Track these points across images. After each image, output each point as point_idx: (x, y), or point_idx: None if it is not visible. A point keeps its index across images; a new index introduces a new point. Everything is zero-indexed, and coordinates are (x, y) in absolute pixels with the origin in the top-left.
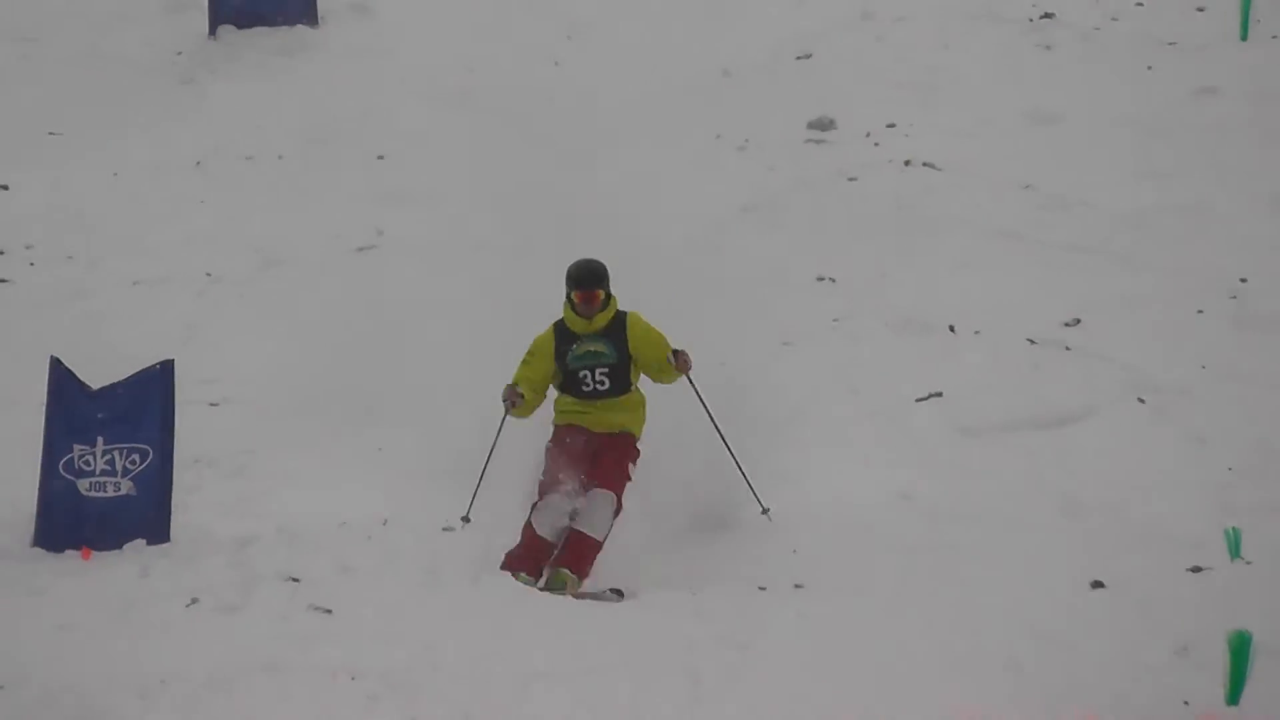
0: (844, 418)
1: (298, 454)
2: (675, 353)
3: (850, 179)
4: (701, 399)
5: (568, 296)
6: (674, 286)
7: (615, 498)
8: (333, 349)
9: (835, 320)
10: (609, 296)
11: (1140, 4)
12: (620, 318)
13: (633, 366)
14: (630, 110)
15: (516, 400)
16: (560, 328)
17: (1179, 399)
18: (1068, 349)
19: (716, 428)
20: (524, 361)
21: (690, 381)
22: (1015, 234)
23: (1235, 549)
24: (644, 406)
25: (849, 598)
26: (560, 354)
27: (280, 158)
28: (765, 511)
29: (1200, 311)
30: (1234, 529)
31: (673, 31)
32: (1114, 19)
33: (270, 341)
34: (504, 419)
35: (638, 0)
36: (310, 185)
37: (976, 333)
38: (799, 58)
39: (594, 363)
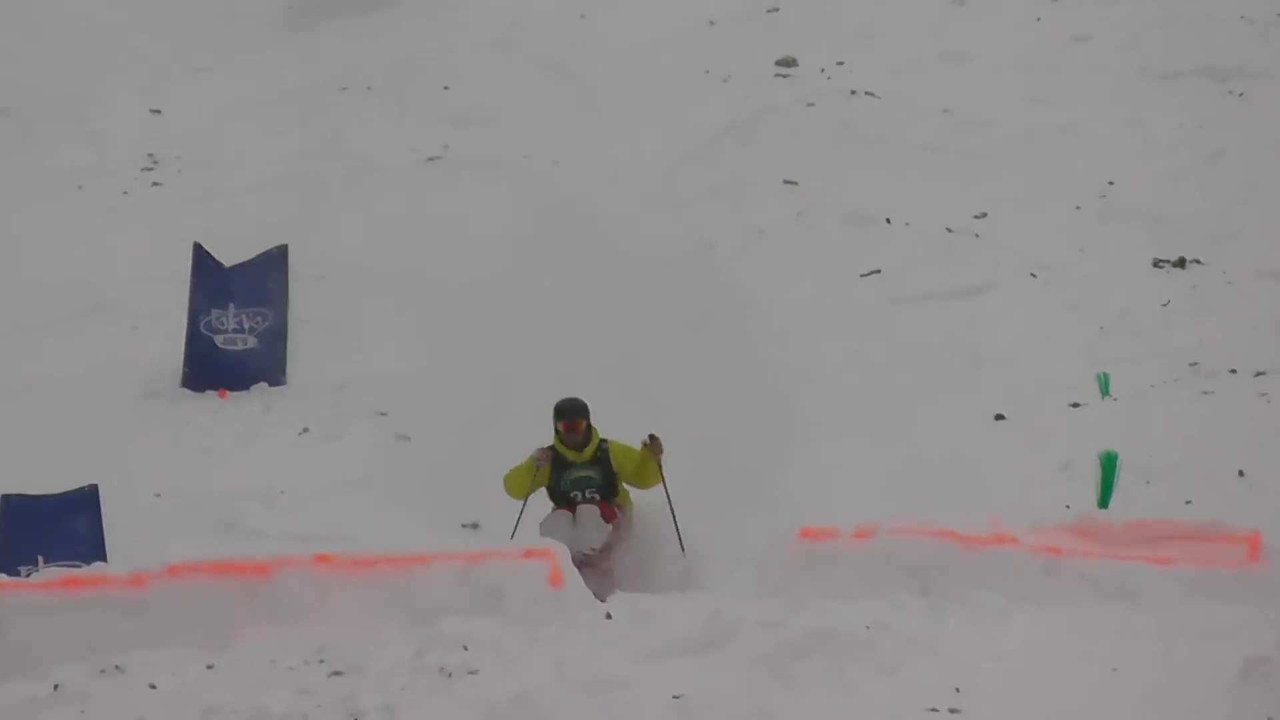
0: (802, 292)
1: (388, 317)
2: (649, 438)
3: (809, 104)
4: (666, 488)
5: (555, 428)
6: (671, 188)
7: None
8: (412, 236)
9: (798, 214)
10: (589, 426)
11: None
12: (603, 445)
13: (618, 482)
14: (638, 52)
15: (543, 462)
16: (555, 456)
17: (1060, 274)
18: (976, 236)
19: (670, 505)
20: (527, 469)
21: (661, 473)
22: (937, 147)
23: (1105, 389)
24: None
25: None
26: (555, 478)
27: (369, 88)
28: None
29: (1078, 207)
30: (1104, 374)
31: None
32: None
33: (364, 231)
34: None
35: None
36: (390, 110)
37: (906, 224)
38: (769, 10)
39: (584, 485)
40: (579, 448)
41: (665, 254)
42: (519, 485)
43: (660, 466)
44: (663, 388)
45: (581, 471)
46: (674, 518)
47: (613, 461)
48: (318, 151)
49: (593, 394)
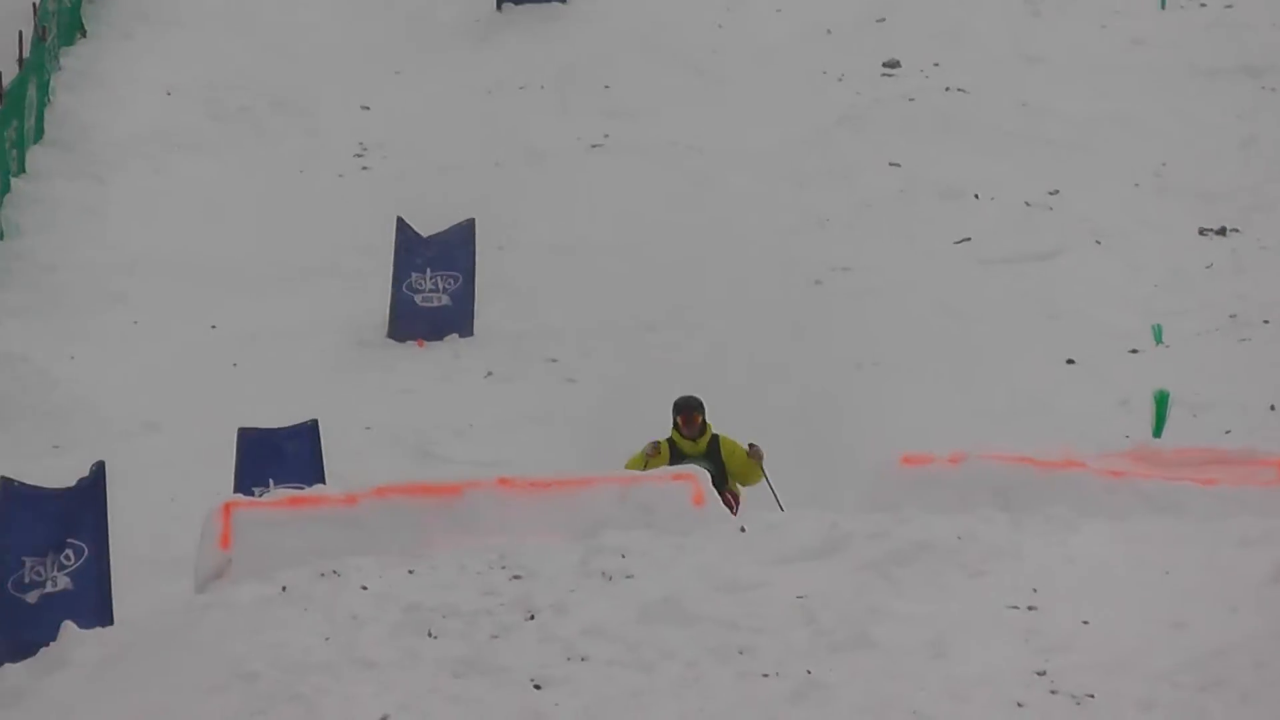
0: (903, 257)
1: (557, 279)
2: (750, 445)
3: (910, 99)
4: (769, 481)
5: (674, 422)
6: (793, 170)
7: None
8: (578, 211)
9: (900, 191)
10: (705, 421)
11: None
12: (715, 439)
13: (727, 474)
14: (766, 54)
15: (653, 454)
16: (672, 446)
17: (1120, 241)
18: (1050, 209)
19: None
20: (646, 456)
21: (763, 471)
22: (1016, 134)
23: (1158, 337)
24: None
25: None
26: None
27: (541, 87)
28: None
29: (1135, 184)
30: (1157, 325)
31: (791, 6)
32: None
33: (538, 207)
34: None
35: None
36: (559, 105)
37: (991, 199)
38: (877, 21)
39: None
40: (694, 439)
41: (789, 224)
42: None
43: (762, 468)
44: (783, 337)
45: (696, 462)
46: (773, 491)
47: (723, 455)
48: (499, 140)
49: (726, 342)
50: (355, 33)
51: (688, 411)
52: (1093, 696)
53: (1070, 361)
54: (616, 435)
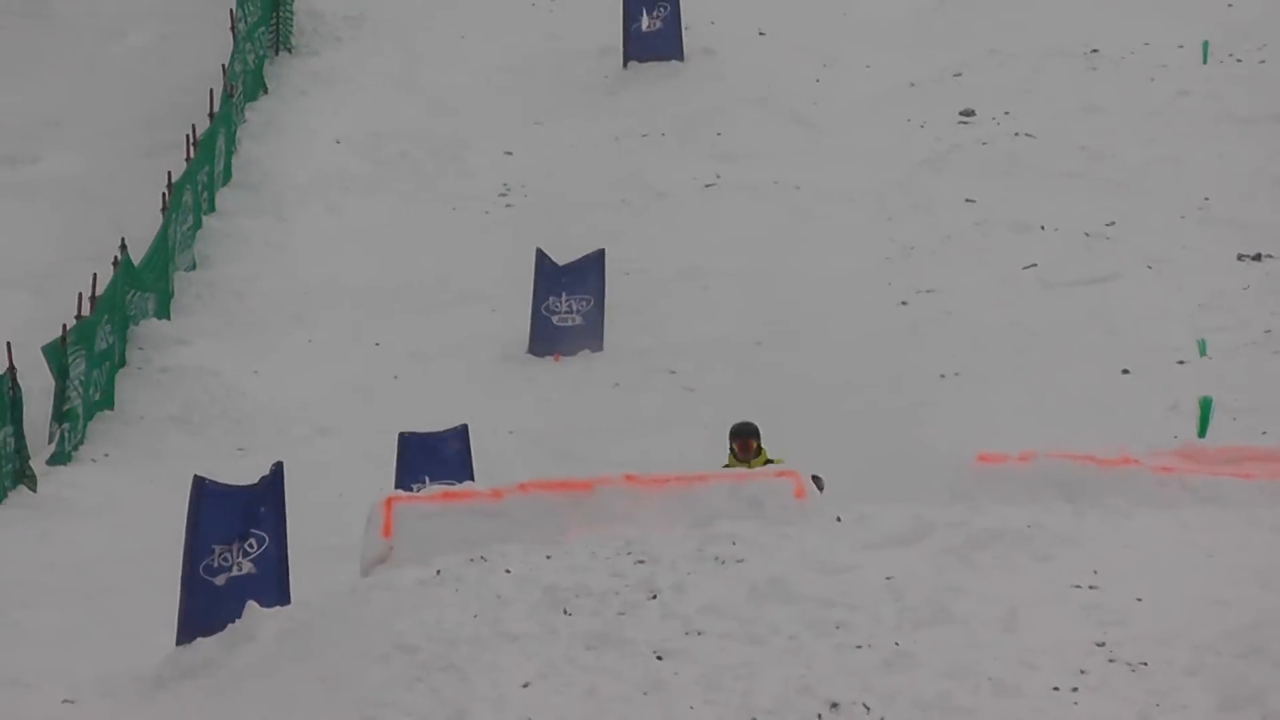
0: (979, 281)
1: (677, 301)
2: (815, 477)
3: (984, 143)
4: None
5: (730, 448)
6: (882, 206)
7: None
8: (694, 241)
9: (976, 223)
10: (760, 446)
11: (1145, 44)
12: (768, 463)
13: None
14: (857, 105)
15: None
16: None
17: (1169, 266)
18: (1107, 238)
19: None
20: None
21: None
22: (1078, 173)
23: (1203, 350)
24: None
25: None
26: None
27: (662, 134)
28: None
29: (1182, 217)
30: (1202, 340)
31: (879, 63)
32: (1131, 53)
33: (659, 238)
34: None
35: (864, 47)
36: (677, 150)
37: (1056, 229)
38: (954, 75)
39: None
40: (748, 462)
41: (879, 253)
42: None
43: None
44: (875, 351)
45: None
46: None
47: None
48: (625, 181)
49: (825, 355)
50: (501, 88)
51: (744, 438)
52: (1146, 664)
53: (1125, 372)
54: (723, 429)
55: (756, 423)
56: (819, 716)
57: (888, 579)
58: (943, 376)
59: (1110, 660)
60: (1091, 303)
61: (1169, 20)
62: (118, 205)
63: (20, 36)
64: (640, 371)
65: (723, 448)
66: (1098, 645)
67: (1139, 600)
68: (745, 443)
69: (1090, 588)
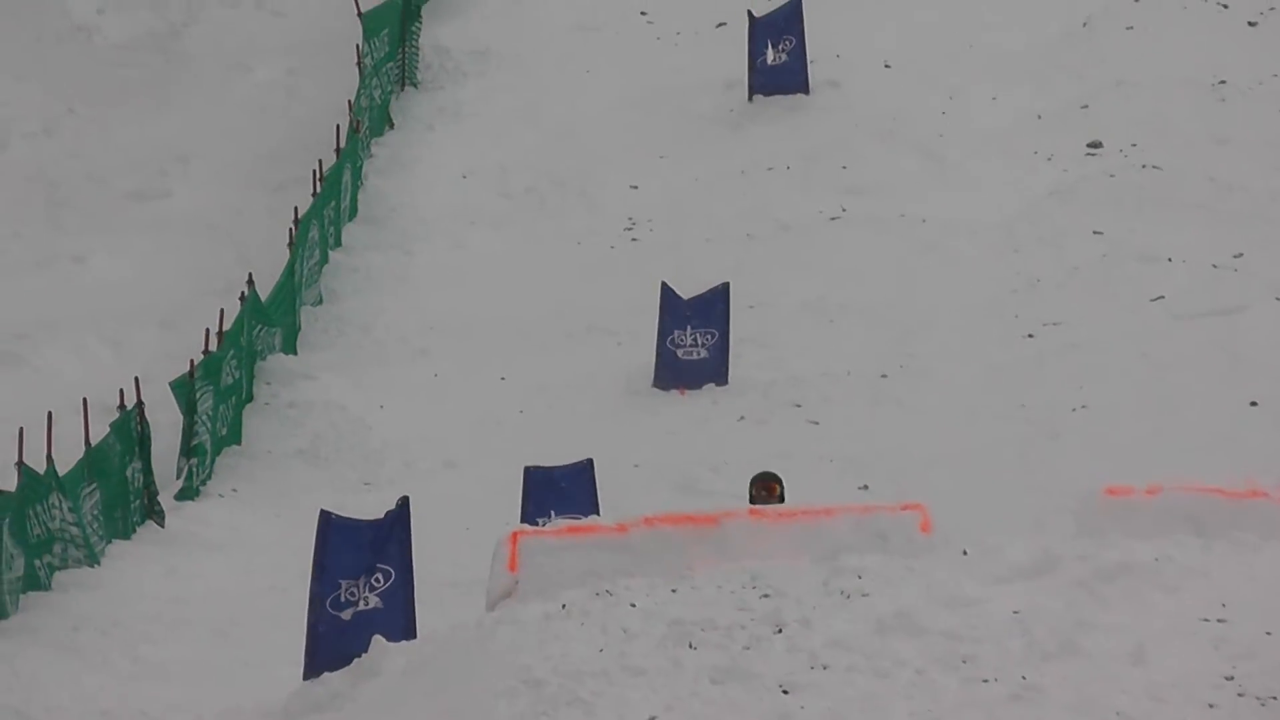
0: (1107, 312)
1: (801, 334)
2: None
3: (1111, 175)
4: None
5: (750, 494)
6: (1009, 238)
7: None
8: (819, 274)
9: (1103, 255)
10: (782, 494)
11: (1274, 75)
12: None
13: None
14: (984, 138)
15: None
16: None
17: None
18: (1235, 270)
19: None
20: None
21: None
22: (1205, 205)
23: None
24: None
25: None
26: None
27: (787, 168)
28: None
29: None
30: None
31: (1005, 95)
32: (1260, 83)
33: (784, 271)
34: None
35: (989, 79)
36: (803, 183)
37: (1184, 261)
38: (1081, 108)
39: None
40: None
41: (1006, 285)
42: None
43: None
44: (1002, 383)
45: None
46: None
47: None
48: (750, 214)
49: (952, 388)
50: (626, 122)
51: (765, 483)
52: (1276, 698)
53: (1254, 404)
54: (854, 469)
55: (776, 474)
56: None
57: (1015, 613)
58: (1073, 410)
59: (1240, 694)
60: (1219, 335)
61: None
62: (245, 240)
63: (150, 72)
64: (765, 405)
65: (852, 481)
66: (1226, 679)
67: (1268, 634)
68: (768, 486)
69: (1219, 621)
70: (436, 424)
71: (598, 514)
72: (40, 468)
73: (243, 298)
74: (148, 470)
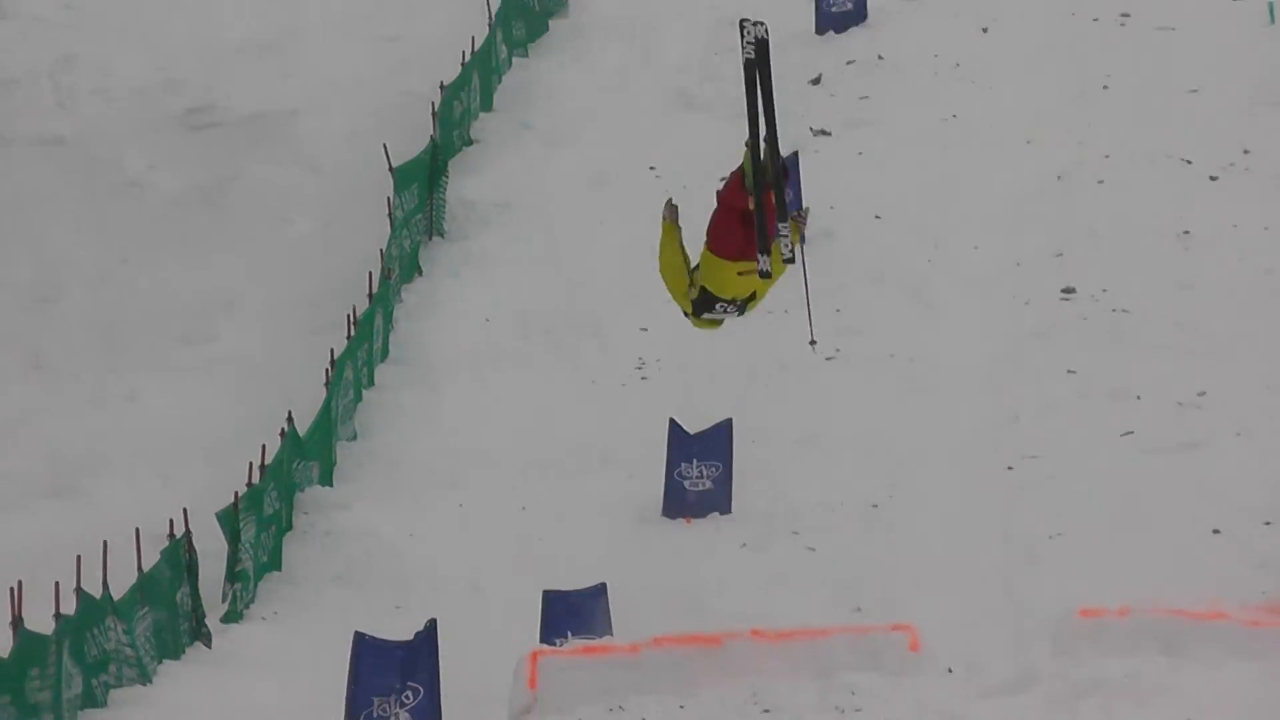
0: (1080, 446)
1: (804, 465)
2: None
3: (1084, 318)
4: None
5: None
6: (989, 375)
7: None
8: (820, 409)
9: (1078, 393)
10: None
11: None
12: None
13: None
14: (968, 281)
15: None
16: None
17: (1258, 433)
18: (1199, 408)
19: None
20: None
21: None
22: (1171, 346)
23: None
24: None
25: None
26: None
27: (786, 311)
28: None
29: (1268, 388)
30: None
31: (986, 244)
32: (1221, 234)
33: (784, 408)
34: None
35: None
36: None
37: (1151, 399)
38: (1056, 255)
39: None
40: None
41: (987, 420)
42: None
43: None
44: (984, 509)
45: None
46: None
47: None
48: (752, 354)
49: (941, 515)
50: (636, 269)
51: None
52: None
53: (1216, 532)
54: (847, 592)
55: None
56: None
57: None
58: (1050, 538)
59: None
60: (1184, 467)
61: (1255, 204)
62: (285, 380)
63: (198, 225)
64: (766, 532)
65: (846, 603)
66: None
67: None
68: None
69: None
70: (462, 550)
71: (611, 634)
72: (97, 593)
73: (283, 434)
74: (195, 595)
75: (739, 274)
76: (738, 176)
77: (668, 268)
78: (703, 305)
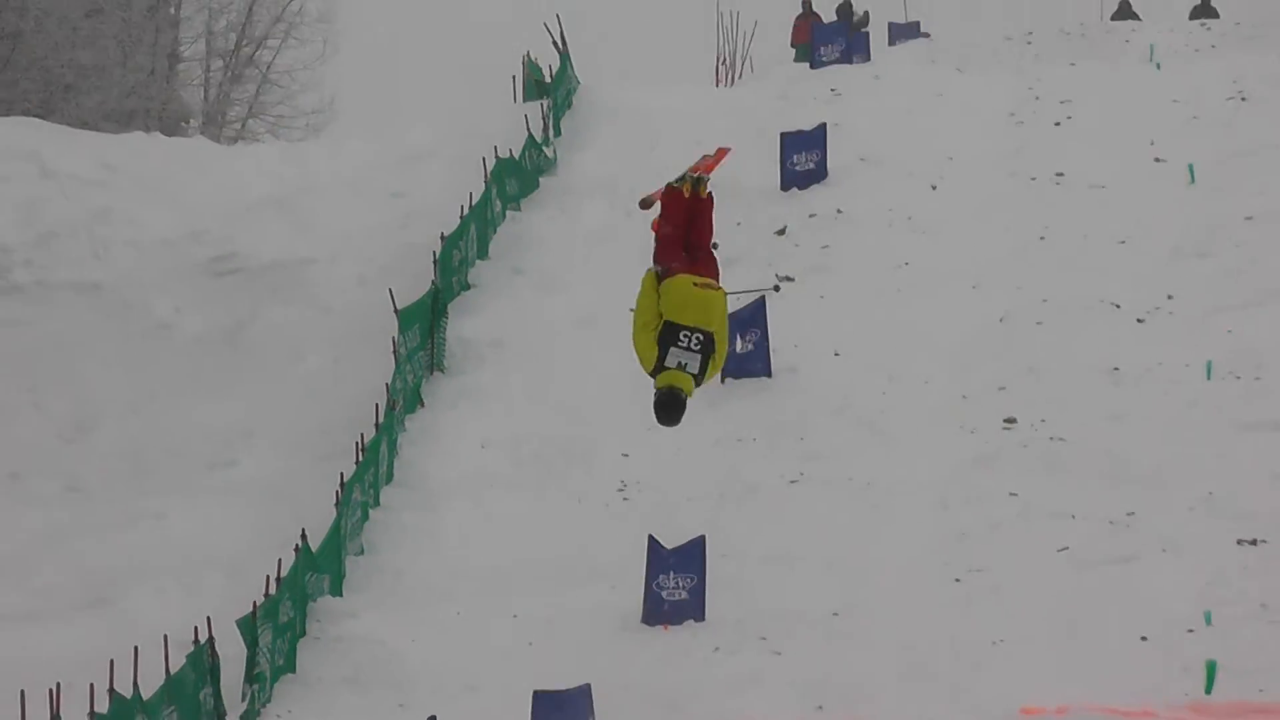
0: (1022, 561)
1: (766, 579)
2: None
3: (1024, 446)
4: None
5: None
6: (939, 497)
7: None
8: (785, 527)
9: (1018, 514)
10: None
11: (1159, 363)
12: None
13: None
14: (919, 413)
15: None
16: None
17: (1180, 549)
18: (1128, 526)
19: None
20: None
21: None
22: (1104, 473)
23: (1209, 620)
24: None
25: (1035, 638)
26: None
27: (754, 439)
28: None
29: (1191, 509)
30: (1208, 611)
31: (936, 378)
32: (1147, 371)
33: (752, 527)
34: None
35: (923, 365)
36: (768, 451)
37: (1085, 518)
38: (999, 389)
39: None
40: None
41: (937, 537)
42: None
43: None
44: (931, 616)
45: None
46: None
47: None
48: (723, 478)
49: (892, 626)
50: (619, 401)
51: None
52: None
53: (1144, 639)
54: (811, 692)
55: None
56: None
57: None
58: (994, 643)
59: None
60: (1116, 580)
61: (1179, 344)
62: (299, 501)
63: (220, 362)
64: (737, 637)
65: (810, 702)
66: None
67: None
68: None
69: None
70: (459, 654)
71: None
72: (128, 694)
73: (297, 549)
74: (218, 695)
75: (694, 285)
76: (663, 200)
77: (641, 329)
78: (667, 340)
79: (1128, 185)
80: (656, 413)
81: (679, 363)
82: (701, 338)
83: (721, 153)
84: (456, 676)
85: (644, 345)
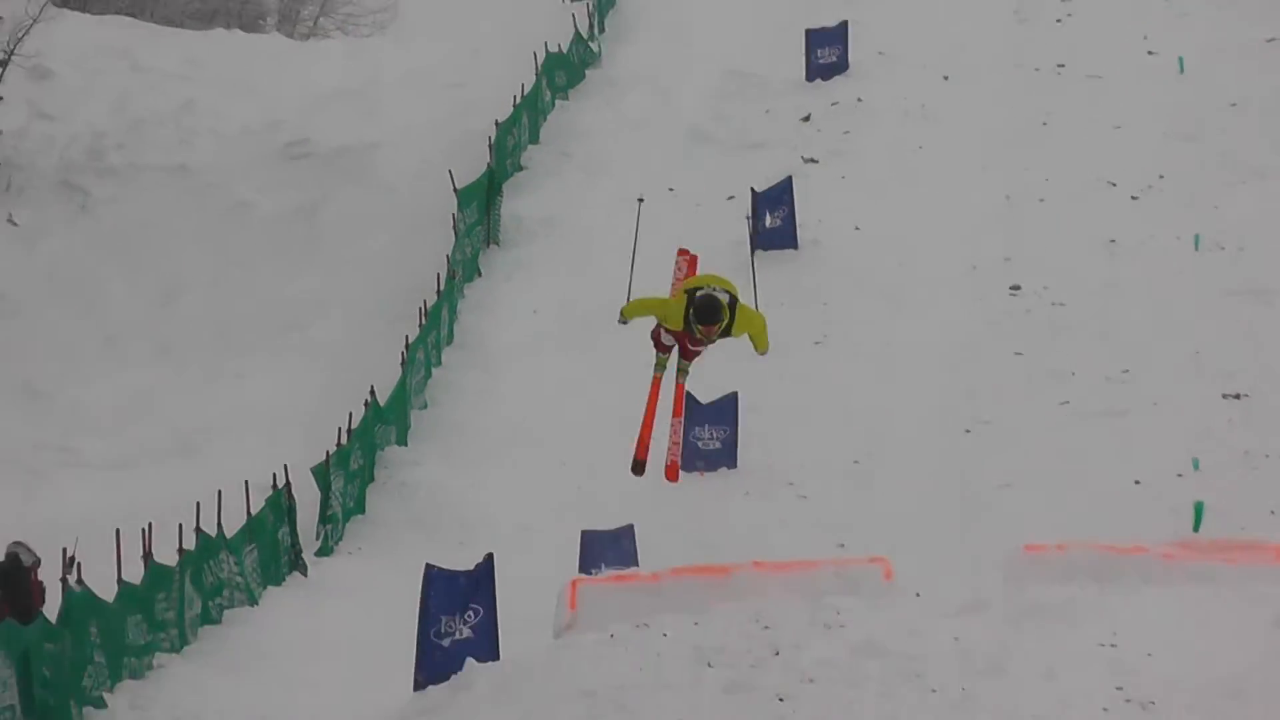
0: (1027, 414)
1: (796, 431)
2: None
3: (1028, 311)
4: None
5: (689, 315)
6: (948, 357)
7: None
8: (809, 386)
9: (1023, 372)
10: (728, 323)
11: (1152, 236)
12: (731, 319)
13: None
14: (932, 282)
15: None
16: (686, 326)
17: (1170, 403)
18: (1123, 383)
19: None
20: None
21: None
22: (1099, 334)
23: (1196, 466)
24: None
25: (1043, 486)
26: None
27: (781, 304)
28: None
29: (1180, 366)
30: (1196, 458)
31: (948, 251)
32: (1142, 243)
33: (781, 391)
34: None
35: (936, 239)
36: (793, 315)
37: (1083, 375)
38: (1005, 259)
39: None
40: (707, 340)
41: (951, 395)
42: (635, 312)
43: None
44: (945, 466)
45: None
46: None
47: (735, 323)
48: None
49: (903, 470)
50: (656, 271)
51: (709, 325)
52: (1154, 703)
53: (1137, 483)
54: (833, 532)
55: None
56: None
57: (955, 639)
58: (998, 487)
59: (1126, 700)
60: (1111, 431)
61: (1169, 219)
62: (368, 361)
63: (295, 238)
64: (766, 484)
65: (832, 540)
66: (1117, 689)
67: (1149, 655)
68: (709, 330)
69: (1111, 646)
70: (514, 499)
71: (637, 566)
72: (213, 533)
73: (366, 404)
74: (294, 534)
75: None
76: (655, 336)
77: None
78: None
79: (1123, 76)
80: (698, 314)
81: (710, 288)
82: (726, 294)
83: (691, 261)
84: (511, 518)
85: (638, 306)
